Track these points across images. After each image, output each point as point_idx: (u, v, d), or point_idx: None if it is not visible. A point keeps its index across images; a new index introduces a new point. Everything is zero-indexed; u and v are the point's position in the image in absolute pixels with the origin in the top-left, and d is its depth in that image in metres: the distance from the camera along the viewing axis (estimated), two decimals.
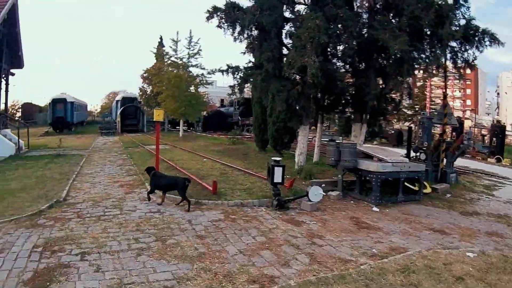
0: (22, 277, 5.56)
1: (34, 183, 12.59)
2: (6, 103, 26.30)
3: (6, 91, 25.93)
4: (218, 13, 12.86)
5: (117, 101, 47.87)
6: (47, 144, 27.43)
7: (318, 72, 10.75)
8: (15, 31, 24.15)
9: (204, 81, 33.90)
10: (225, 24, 12.90)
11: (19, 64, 26.41)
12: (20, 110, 67.03)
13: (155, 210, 9.31)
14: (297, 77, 12.54)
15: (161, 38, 47.66)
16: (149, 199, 10.16)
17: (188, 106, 32.22)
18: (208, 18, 13.05)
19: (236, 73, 13.03)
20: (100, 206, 9.65)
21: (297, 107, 13.01)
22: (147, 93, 45.79)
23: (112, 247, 6.75)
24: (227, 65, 13.17)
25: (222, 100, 55.06)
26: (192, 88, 33.91)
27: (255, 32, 13.17)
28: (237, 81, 13.08)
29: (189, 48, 34.28)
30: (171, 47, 34.98)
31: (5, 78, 25.38)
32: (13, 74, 28.10)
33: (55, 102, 44.39)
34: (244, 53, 13.54)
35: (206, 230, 7.73)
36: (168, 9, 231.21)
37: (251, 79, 13.16)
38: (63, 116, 44.04)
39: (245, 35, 13.07)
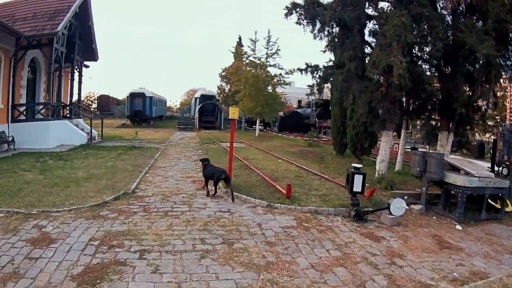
0: (71, 271, 5.40)
1: (102, 173, 12.70)
2: (79, 94, 27.51)
3: (80, 82, 26.97)
4: (297, 9, 12.27)
5: (196, 98, 48.83)
6: (122, 135, 28.60)
7: (405, 73, 9.85)
8: (88, 24, 24.97)
9: (282, 81, 33.40)
10: (305, 21, 12.25)
11: (93, 57, 27.25)
12: (96, 101, 70.24)
13: (225, 209, 9.01)
14: (381, 78, 11.66)
15: (240, 38, 48.26)
16: (207, 192, 10.45)
17: (265, 105, 32.09)
18: (286, 15, 12.50)
19: (315, 72, 12.36)
20: (169, 201, 9.54)
21: (380, 111, 12.13)
22: (225, 91, 46.33)
23: (175, 246, 6.49)
24: (306, 64, 12.55)
25: (299, 101, 54.61)
26: (269, 88, 33.75)
27: (336, 29, 12.41)
28: (316, 81, 12.41)
29: (267, 48, 34.00)
30: (249, 47, 35.01)
31: (78, 70, 26.31)
32: (87, 67, 29.27)
33: (133, 95, 46.06)
34: (324, 51, 12.81)
35: (276, 236, 7.23)
36: (248, 7, 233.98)
37: (331, 79, 12.40)
38: (141, 109, 45.63)
39: (326, 32, 12.35)
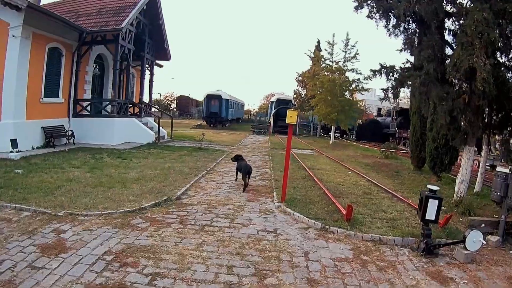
0: None
1: (155, 175, 12.24)
2: (150, 93, 27.77)
3: (151, 81, 27.44)
4: (369, 2, 10.80)
5: (272, 102, 48.22)
6: (194, 136, 28.37)
7: (490, 78, 8.19)
8: (158, 23, 25.11)
9: (360, 87, 31.49)
10: (377, 14, 10.72)
11: (165, 56, 27.50)
12: (175, 101, 71.84)
13: (271, 228, 7.87)
14: (463, 84, 9.92)
15: (318, 42, 46.29)
16: (236, 178, 12.40)
17: (340, 112, 30.41)
18: (357, 8, 11.03)
19: (391, 74, 10.78)
20: (211, 213, 8.71)
21: (462, 122, 10.39)
22: (301, 96, 45.00)
23: (194, 273, 5.50)
24: (380, 64, 10.99)
25: (379, 109, 51.93)
26: (347, 94, 31.97)
27: (412, 26, 10.78)
28: (392, 84, 10.85)
29: (345, 52, 32.26)
30: (326, 50, 33.54)
31: (149, 69, 26.60)
32: (161, 66, 29.87)
33: (209, 97, 46.82)
34: (401, 50, 11.07)
35: (322, 272, 5.90)
36: (328, 10, 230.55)
37: (409, 82, 10.72)
38: (217, 111, 46.23)
39: (401, 28, 10.74)
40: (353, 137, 43.22)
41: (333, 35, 34.53)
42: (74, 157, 14.75)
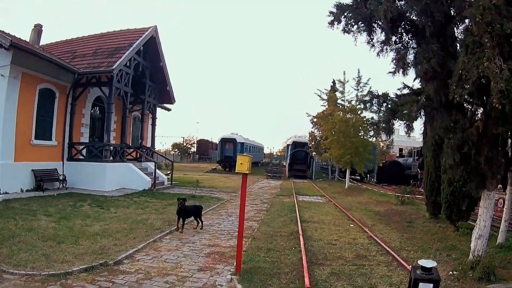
0: None
1: (119, 229, 10.64)
2: (152, 137, 26.46)
3: (153, 125, 26.22)
4: (345, 13, 8.17)
5: (288, 145, 45.91)
6: (202, 181, 26.14)
7: (510, 87, 5.52)
8: (159, 65, 23.95)
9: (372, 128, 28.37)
10: (355, 26, 8.08)
11: (169, 100, 26.28)
12: (195, 145, 71.05)
13: None
14: (475, 106, 7.26)
15: (334, 82, 43.82)
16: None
17: (354, 154, 27.50)
18: (332, 23, 8.35)
19: (384, 103, 8.16)
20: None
21: (478, 159, 7.31)
22: (316, 138, 42.10)
23: None
24: (371, 93, 8.45)
25: (400, 150, 48.61)
26: (361, 134, 29.02)
27: (405, 37, 7.98)
28: (382, 115, 8.17)
29: (357, 90, 30.02)
30: (338, 89, 31.20)
31: (151, 112, 25.46)
32: (168, 110, 29.31)
33: (224, 141, 45.39)
34: (393, 72, 7.91)
35: None
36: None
37: (405, 111, 7.77)
38: (231, 155, 44.22)
39: (392, 41, 7.88)
40: (374, 180, 40.08)
41: (344, 73, 32.66)
42: (55, 203, 13.78)
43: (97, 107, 22.08)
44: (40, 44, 21.53)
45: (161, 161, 28.36)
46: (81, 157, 19.51)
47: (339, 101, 31.34)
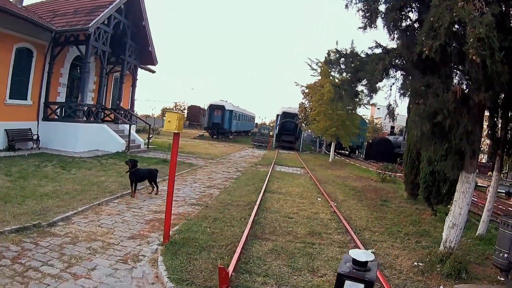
0: None
1: (71, 190, 10.04)
2: (132, 99, 25.27)
3: (133, 86, 25.00)
4: None
5: (278, 115, 44.20)
6: (183, 147, 25.77)
7: (493, 39, 4.35)
8: (141, 24, 22.45)
9: (365, 101, 27.05)
10: None
11: (151, 60, 24.81)
12: (186, 111, 69.81)
13: None
14: (453, 67, 6.10)
15: (328, 53, 42.06)
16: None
17: (340, 127, 26.39)
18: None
19: (352, 64, 6.95)
20: (62, 251, 6.03)
21: (455, 134, 6.05)
22: (307, 109, 40.48)
23: None
24: (338, 51, 7.26)
25: (392, 128, 47.49)
26: (350, 107, 27.53)
27: None
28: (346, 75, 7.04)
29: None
30: (331, 60, 29.40)
31: (131, 73, 24.23)
32: (152, 71, 27.81)
33: (212, 108, 44.19)
34: (364, 27, 6.43)
35: None
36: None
37: (368, 71, 6.19)
38: (219, 122, 43.22)
39: None
40: (362, 156, 39.18)
41: (337, 43, 30.56)
42: (21, 163, 13.22)
43: (78, 67, 20.83)
44: (25, 4, 20.26)
45: (148, 125, 27.16)
46: (56, 117, 18.59)
47: (332, 73, 29.79)
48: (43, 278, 5.00)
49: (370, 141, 38.56)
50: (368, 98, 8.45)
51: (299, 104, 40.22)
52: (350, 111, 26.54)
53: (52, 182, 10.81)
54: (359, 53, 6.95)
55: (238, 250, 5.96)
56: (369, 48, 6.65)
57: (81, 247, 6.20)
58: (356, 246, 7.04)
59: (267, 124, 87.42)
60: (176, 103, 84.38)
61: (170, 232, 6.86)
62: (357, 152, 40.44)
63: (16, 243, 6.10)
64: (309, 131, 39.97)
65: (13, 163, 13.28)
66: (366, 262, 3.45)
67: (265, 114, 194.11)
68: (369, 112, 53.61)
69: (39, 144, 17.44)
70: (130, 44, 22.17)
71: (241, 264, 5.70)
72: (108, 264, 5.62)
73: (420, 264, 6.53)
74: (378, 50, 6.75)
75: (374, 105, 28.01)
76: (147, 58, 24.31)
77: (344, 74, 7.44)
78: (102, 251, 6.09)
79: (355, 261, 3.45)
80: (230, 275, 4.81)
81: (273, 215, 9.01)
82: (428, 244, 7.80)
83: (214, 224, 7.79)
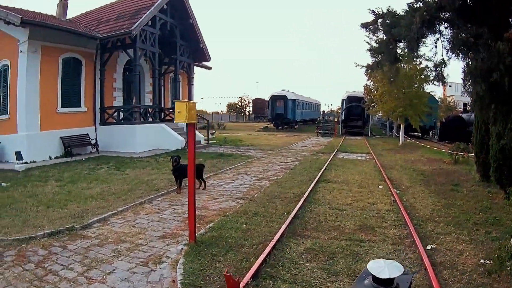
0: None
1: (119, 190, 10.12)
2: (189, 97, 25.06)
3: (189, 84, 25.02)
4: None
5: (343, 100, 42.22)
6: (243, 140, 25.80)
7: None
8: (189, 22, 22.43)
9: (431, 77, 24.80)
10: None
11: (204, 57, 24.78)
12: (250, 104, 69.64)
13: None
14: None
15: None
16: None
17: (408, 106, 24.53)
18: None
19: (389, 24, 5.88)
20: (87, 253, 5.87)
21: None
22: (372, 91, 38.15)
23: None
24: (372, 12, 6.29)
25: (465, 105, 43.90)
26: (416, 85, 25.48)
27: None
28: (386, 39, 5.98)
29: None
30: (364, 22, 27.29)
31: (186, 72, 24.36)
32: (209, 68, 28.30)
33: (274, 98, 43.55)
34: None
35: None
36: None
37: (404, 25, 5.39)
38: (282, 113, 42.43)
39: None
40: (436, 137, 36.60)
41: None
42: (76, 168, 13.83)
43: (130, 71, 21.39)
44: (69, 17, 21.40)
45: (207, 121, 27.33)
46: (114, 120, 19.23)
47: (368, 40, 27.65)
48: (59, 282, 4.82)
49: (443, 120, 35.90)
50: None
51: (364, 86, 38.27)
52: (417, 88, 24.79)
53: (101, 184, 10.92)
54: (397, 12, 5.92)
55: (266, 250, 5.28)
56: (407, 4, 5.61)
57: (107, 249, 5.96)
58: (413, 242, 6.03)
59: (335, 111, 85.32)
60: (241, 97, 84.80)
61: (203, 230, 6.39)
62: (430, 134, 37.88)
63: (45, 247, 6.05)
64: (379, 114, 38.02)
65: (68, 168, 13.69)
66: (391, 279, 2.65)
67: (331, 101, 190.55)
68: (440, 90, 50.35)
69: (98, 148, 18.07)
70: (180, 43, 22.27)
71: (267, 267, 4.99)
72: (128, 267, 5.25)
73: (488, 262, 5.31)
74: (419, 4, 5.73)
75: (442, 81, 25.69)
76: (200, 55, 24.35)
77: (381, 35, 6.35)
78: (127, 253, 5.77)
79: (375, 279, 2.67)
80: (246, 282, 4.19)
81: (321, 208, 8.16)
82: (498, 235, 6.45)
83: (252, 219, 7.18)
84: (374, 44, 7.07)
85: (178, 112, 5.51)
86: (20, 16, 14.10)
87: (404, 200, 9.16)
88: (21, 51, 15.55)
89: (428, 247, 5.83)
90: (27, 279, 4.93)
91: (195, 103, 6.03)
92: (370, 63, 6.70)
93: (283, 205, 8.30)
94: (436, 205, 8.76)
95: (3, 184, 11.24)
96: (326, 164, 14.68)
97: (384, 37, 6.14)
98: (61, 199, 9.14)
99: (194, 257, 5.30)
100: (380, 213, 7.92)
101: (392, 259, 5.08)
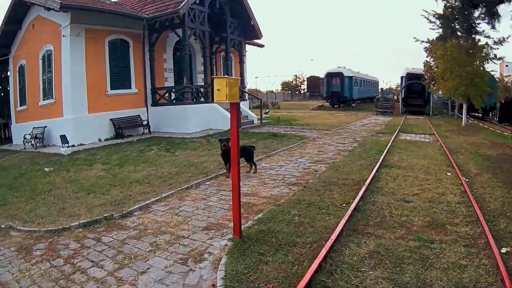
0: None
1: (166, 173, 9.67)
2: (241, 76, 24.13)
3: (241, 62, 24.13)
4: None
5: (402, 77, 39.53)
6: (297, 120, 24.69)
7: None
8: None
9: (491, 54, 22.31)
10: None
11: (256, 35, 23.80)
12: (305, 82, 68.10)
13: None
14: None
15: None
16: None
17: (470, 85, 22.36)
18: None
19: None
20: (122, 246, 5.37)
21: None
22: (432, 68, 35.43)
23: None
24: None
25: None
26: (477, 63, 23.18)
27: None
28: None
29: None
30: None
31: (237, 50, 23.50)
32: (261, 46, 27.35)
33: (330, 76, 42.01)
34: None
35: None
36: None
37: None
38: (339, 90, 40.85)
39: None
40: (496, 119, 33.71)
41: None
42: (125, 150, 13.64)
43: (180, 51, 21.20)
44: None
45: (259, 100, 26.60)
46: (165, 101, 19.00)
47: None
48: (86, 283, 4.32)
49: (503, 101, 32.95)
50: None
51: (423, 63, 35.75)
52: (478, 66, 22.73)
53: (149, 167, 10.55)
54: None
55: (322, 253, 4.43)
56: None
57: (145, 242, 5.41)
58: (487, 243, 4.96)
59: (393, 88, 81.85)
60: (295, 75, 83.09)
61: (251, 221, 5.70)
62: (490, 114, 35.07)
63: (77, 240, 5.63)
64: (439, 92, 35.67)
65: (117, 150, 13.53)
66: None
67: (390, 78, 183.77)
68: (497, 69, 46.39)
69: (149, 129, 18.04)
70: (230, 21, 21.47)
71: (322, 275, 4.11)
72: (164, 265, 4.65)
73: None
74: None
75: (501, 59, 23.18)
76: (251, 33, 23.45)
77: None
78: (165, 247, 5.18)
79: None
80: None
81: (385, 198, 7.10)
82: None
83: (307, 211, 6.31)
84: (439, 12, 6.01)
85: (218, 90, 4.75)
86: (60, 1, 13.99)
87: (474, 190, 7.86)
88: (63, 35, 15.57)
89: (503, 250, 4.78)
90: (53, 277, 4.48)
91: (238, 79, 5.20)
92: (437, 36, 5.63)
93: (341, 194, 7.34)
94: (506, 197, 7.38)
95: (46, 169, 11.09)
96: (388, 147, 13.39)
97: (457, 2, 5.09)
98: (104, 184, 8.82)
99: (238, 256, 4.58)
100: (450, 206, 6.73)
101: (465, 265, 4.21)
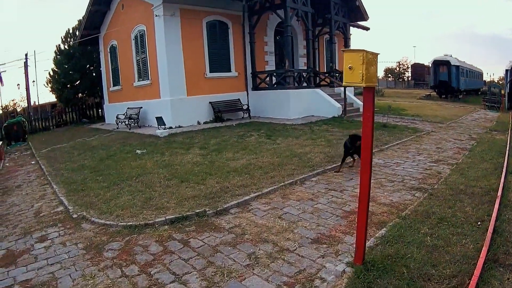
0: None
1: (267, 164, 8.76)
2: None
3: (346, 46, 21.94)
4: None
5: (506, 70, 33.98)
6: (405, 109, 22.89)
7: None
8: None
9: None
10: None
11: (361, 16, 21.81)
12: (409, 70, 63.99)
13: None
14: None
15: None
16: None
17: None
18: None
19: None
20: (217, 255, 4.59)
21: None
22: None
23: None
24: None
25: None
26: None
27: None
28: None
29: None
30: None
31: (342, 32, 21.56)
32: (366, 29, 25.59)
33: (437, 64, 38.28)
34: None
35: None
36: None
37: None
38: (446, 80, 37.29)
39: None
40: None
41: None
42: (224, 134, 13.05)
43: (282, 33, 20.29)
44: None
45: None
46: (266, 85, 18.35)
47: None
48: None
49: None
50: None
51: None
52: None
53: (248, 155, 9.77)
54: None
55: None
56: None
57: (242, 252, 4.59)
58: None
59: (495, 81, 74.08)
60: (398, 62, 78.44)
61: (372, 239, 4.64)
62: None
63: (161, 241, 4.96)
64: None
65: (216, 134, 13.01)
66: None
67: (493, 70, 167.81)
68: None
69: (249, 113, 17.59)
70: (334, 1, 19.82)
71: None
72: None
73: None
74: None
75: None
76: (356, 14, 21.63)
77: None
78: (267, 263, 4.28)
79: None
80: None
81: None
82: None
83: (438, 229, 4.98)
84: None
85: (350, 68, 3.47)
86: None
87: None
88: (156, 15, 15.23)
89: None
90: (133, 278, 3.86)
91: (377, 54, 3.66)
92: None
93: (473, 207, 5.83)
94: None
95: (138, 151, 10.80)
96: (507, 148, 11.29)
97: None
98: (200, 171, 8.19)
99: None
100: None
101: None
